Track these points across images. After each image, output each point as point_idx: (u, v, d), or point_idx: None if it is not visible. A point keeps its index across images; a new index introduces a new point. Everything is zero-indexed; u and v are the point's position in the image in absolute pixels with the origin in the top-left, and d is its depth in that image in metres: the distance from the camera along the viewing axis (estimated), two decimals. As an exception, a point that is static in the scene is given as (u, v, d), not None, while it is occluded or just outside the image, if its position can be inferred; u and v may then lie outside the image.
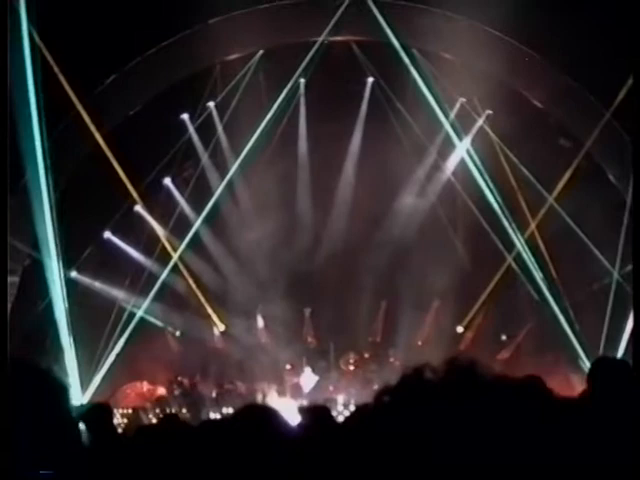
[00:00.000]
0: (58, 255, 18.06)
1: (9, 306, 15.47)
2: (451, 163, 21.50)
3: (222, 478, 2.60)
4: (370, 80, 21.35)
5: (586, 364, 18.56)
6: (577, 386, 14.20)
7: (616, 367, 4.79)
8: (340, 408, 18.85)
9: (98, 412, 6.38)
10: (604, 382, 4.53)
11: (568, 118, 20.49)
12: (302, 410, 5.59)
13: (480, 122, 20.88)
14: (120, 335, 19.77)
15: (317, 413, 5.19)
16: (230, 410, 18.52)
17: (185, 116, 21.47)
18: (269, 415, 2.72)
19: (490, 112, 20.78)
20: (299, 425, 4.61)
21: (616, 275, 19.38)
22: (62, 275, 18.25)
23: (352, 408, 17.28)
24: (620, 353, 17.92)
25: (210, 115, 21.54)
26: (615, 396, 4.47)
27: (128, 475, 3.86)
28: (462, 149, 20.59)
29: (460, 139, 20.55)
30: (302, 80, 20.94)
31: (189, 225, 21.04)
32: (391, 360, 21.15)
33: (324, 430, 4.18)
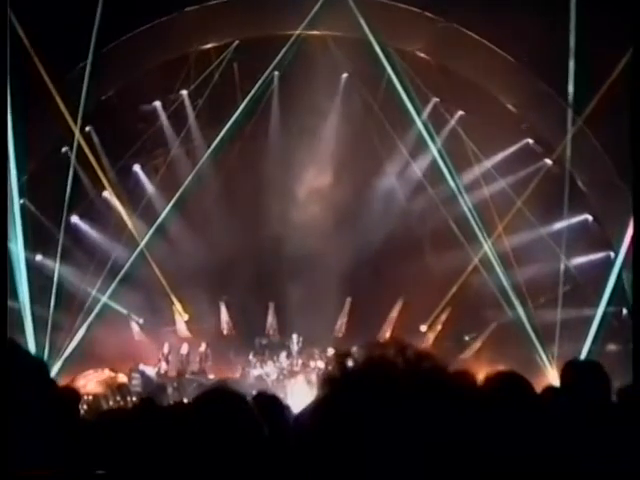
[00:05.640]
0: (23, 239, 17.95)
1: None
2: (422, 163, 21.49)
3: (190, 463, 2.56)
4: (344, 76, 21.35)
5: (547, 367, 18.70)
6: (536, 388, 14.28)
7: (588, 369, 4.82)
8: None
9: (67, 396, 6.25)
10: (575, 382, 4.56)
11: (541, 123, 20.60)
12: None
13: (452, 123, 20.96)
14: (83, 321, 19.64)
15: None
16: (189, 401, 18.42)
17: (157, 104, 21.36)
18: (237, 400, 2.68)
19: (462, 113, 20.91)
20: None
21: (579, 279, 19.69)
22: (25, 259, 18.16)
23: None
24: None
25: (182, 104, 21.46)
26: (584, 396, 4.51)
27: (91, 460, 3.84)
28: (434, 149, 20.54)
29: (432, 139, 20.49)
30: (276, 73, 20.88)
31: (157, 213, 20.91)
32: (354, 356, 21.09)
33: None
